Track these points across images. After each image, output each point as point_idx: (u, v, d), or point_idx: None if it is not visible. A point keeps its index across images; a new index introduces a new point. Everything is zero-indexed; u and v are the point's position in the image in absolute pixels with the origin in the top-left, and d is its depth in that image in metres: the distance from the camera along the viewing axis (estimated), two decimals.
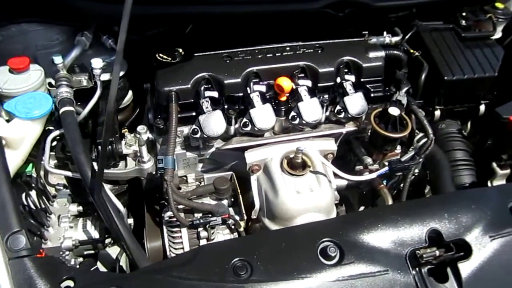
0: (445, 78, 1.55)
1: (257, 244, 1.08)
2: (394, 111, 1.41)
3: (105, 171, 1.40)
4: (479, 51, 1.65)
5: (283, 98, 1.44)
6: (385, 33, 1.63)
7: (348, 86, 1.46)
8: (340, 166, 1.60)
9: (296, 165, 1.37)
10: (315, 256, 1.05)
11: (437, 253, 1.10)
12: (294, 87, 1.43)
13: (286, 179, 1.36)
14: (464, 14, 1.72)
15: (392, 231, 1.12)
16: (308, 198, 1.33)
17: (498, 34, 1.79)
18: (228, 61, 1.44)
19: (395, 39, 1.63)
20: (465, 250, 1.10)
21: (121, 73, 1.55)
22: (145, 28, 1.52)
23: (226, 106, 1.42)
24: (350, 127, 1.52)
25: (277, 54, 1.47)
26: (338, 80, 1.48)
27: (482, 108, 1.67)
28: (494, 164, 1.35)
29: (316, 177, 1.38)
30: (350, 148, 1.58)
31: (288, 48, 1.50)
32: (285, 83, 1.40)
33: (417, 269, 1.06)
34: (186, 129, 1.40)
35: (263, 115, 1.38)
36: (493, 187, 1.35)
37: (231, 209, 1.41)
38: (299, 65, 1.45)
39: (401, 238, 1.11)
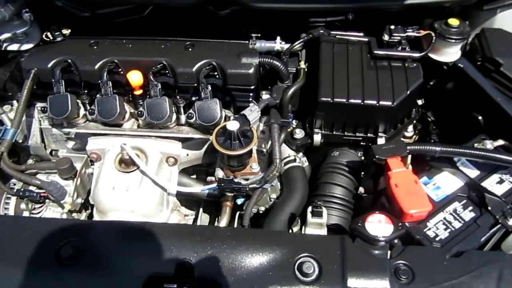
0: (321, 99, 1.33)
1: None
2: (232, 125, 1.28)
3: None
4: (387, 74, 1.37)
5: (138, 92, 1.42)
6: (278, 38, 1.46)
7: (205, 90, 1.37)
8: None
9: (125, 161, 1.36)
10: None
11: (176, 286, 1.01)
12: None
13: (112, 172, 1.35)
14: (392, 27, 1.44)
15: (152, 251, 1.05)
16: (121, 197, 1.32)
17: (452, 57, 1.46)
18: (95, 47, 1.46)
19: (288, 46, 1.45)
20: None
21: (31, 45, 1.68)
22: (97, 6, 1.59)
23: (85, 91, 1.45)
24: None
25: (144, 46, 1.44)
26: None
27: (381, 141, 1.40)
28: (309, 208, 1.11)
29: (141, 178, 1.34)
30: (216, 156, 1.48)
31: (158, 42, 1.45)
32: (134, 77, 1.38)
33: None
34: None
35: (106, 105, 1.39)
36: (292, 235, 1.13)
37: (70, 189, 1.46)
38: (159, 60, 1.40)
39: (152, 261, 1.04)
